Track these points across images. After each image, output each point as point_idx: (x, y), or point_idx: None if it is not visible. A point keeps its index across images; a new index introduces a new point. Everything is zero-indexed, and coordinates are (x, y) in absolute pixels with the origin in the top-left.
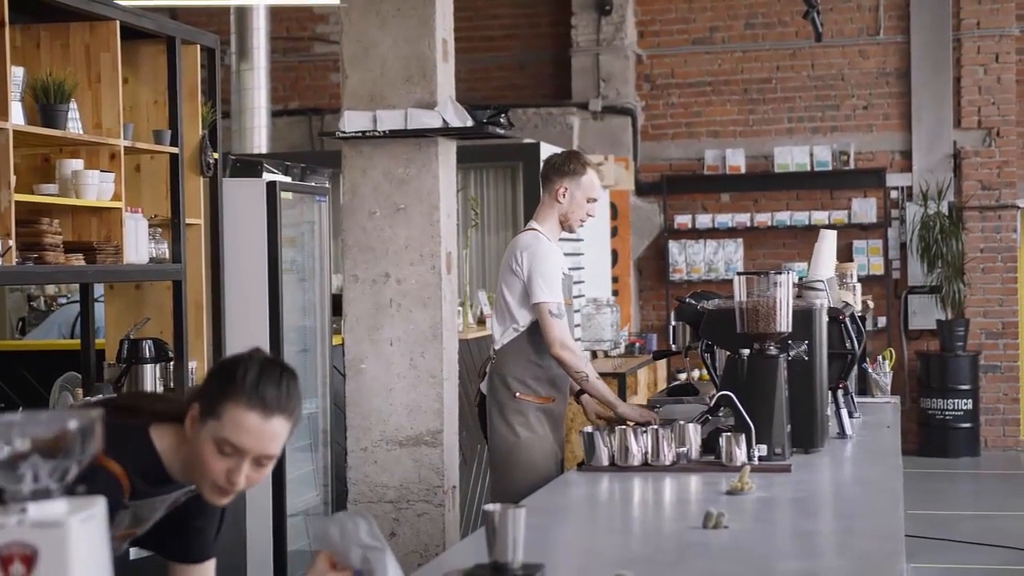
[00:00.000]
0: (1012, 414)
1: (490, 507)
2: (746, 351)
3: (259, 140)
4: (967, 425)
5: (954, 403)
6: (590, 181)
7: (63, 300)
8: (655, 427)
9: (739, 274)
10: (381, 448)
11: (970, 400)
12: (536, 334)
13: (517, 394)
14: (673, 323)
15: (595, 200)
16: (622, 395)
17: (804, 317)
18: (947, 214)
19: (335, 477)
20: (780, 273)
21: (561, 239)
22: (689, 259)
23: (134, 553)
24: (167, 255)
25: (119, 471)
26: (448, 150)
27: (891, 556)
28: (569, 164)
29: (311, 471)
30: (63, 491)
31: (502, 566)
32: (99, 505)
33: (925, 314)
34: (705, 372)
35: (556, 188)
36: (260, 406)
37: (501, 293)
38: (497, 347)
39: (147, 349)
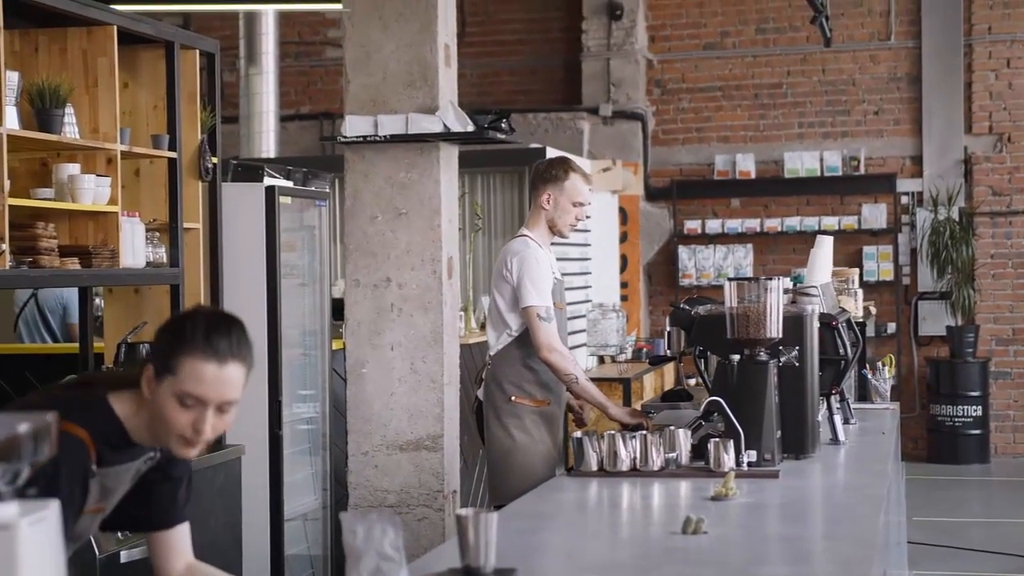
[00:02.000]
0: (1022, 421)
1: (462, 512)
2: (736, 357)
3: (267, 144)
4: (977, 432)
5: (964, 409)
6: (573, 186)
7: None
8: (643, 432)
9: (730, 280)
10: (382, 452)
11: (980, 407)
12: (529, 338)
13: (512, 398)
14: (668, 328)
15: (582, 204)
16: (626, 401)
17: (795, 323)
18: (957, 220)
19: (335, 481)
20: (771, 279)
21: (568, 244)
22: (699, 264)
23: (125, 556)
24: (165, 259)
25: (84, 435)
26: (450, 155)
27: (864, 561)
28: (552, 170)
29: (310, 475)
30: (14, 494)
31: (474, 570)
32: (51, 508)
33: (935, 320)
34: None
35: (541, 195)
36: (214, 355)
37: (493, 299)
38: (492, 353)
39: (144, 353)
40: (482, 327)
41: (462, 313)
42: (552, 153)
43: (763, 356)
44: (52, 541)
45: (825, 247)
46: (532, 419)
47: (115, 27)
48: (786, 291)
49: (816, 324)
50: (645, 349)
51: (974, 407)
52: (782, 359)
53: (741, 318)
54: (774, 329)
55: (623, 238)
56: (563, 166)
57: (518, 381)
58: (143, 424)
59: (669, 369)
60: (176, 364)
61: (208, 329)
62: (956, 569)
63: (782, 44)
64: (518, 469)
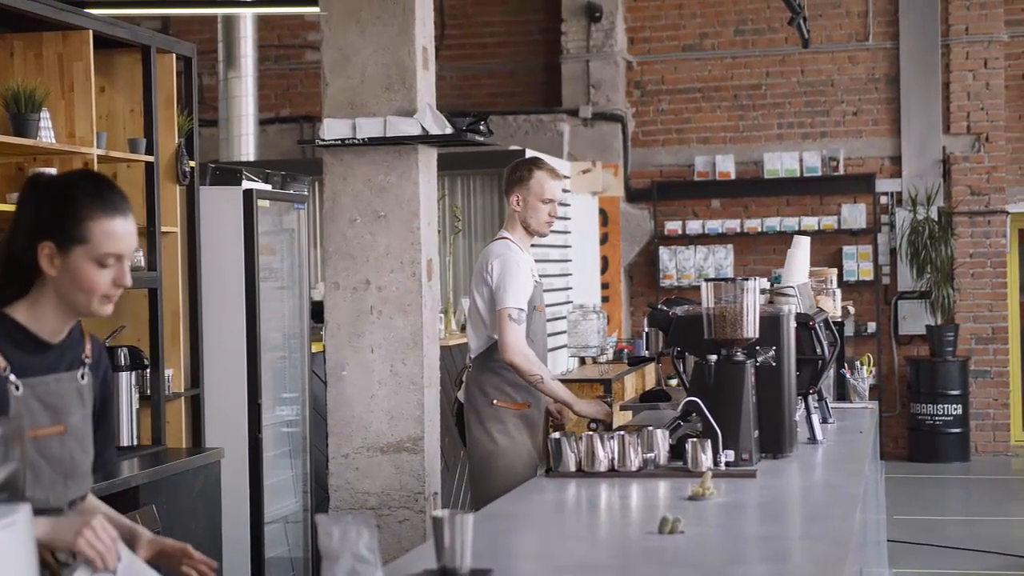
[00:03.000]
0: (1002, 419)
1: (438, 513)
2: (713, 357)
3: (246, 148)
4: (957, 430)
5: (944, 408)
6: (539, 183)
7: None
8: (621, 433)
9: (707, 280)
10: (362, 455)
11: (960, 405)
12: None
13: (495, 401)
14: (646, 329)
15: (551, 201)
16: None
17: (772, 323)
18: (936, 219)
19: (315, 483)
20: (747, 279)
21: (549, 245)
22: (680, 265)
23: None
24: (143, 263)
25: None
26: (428, 157)
27: (838, 560)
28: (517, 172)
29: (291, 477)
30: None
31: (450, 571)
32: (23, 512)
33: (915, 319)
34: None
35: (511, 197)
36: (117, 212)
37: (474, 302)
38: (473, 355)
39: (122, 357)
40: (462, 329)
41: (442, 315)
42: (531, 155)
43: (740, 356)
44: (24, 546)
45: (802, 247)
46: (514, 422)
47: (91, 31)
48: (763, 291)
49: (793, 324)
50: (626, 350)
51: (954, 406)
52: (759, 359)
53: (718, 318)
54: (751, 329)
55: (604, 239)
56: (527, 166)
57: (499, 384)
58: (50, 312)
59: (651, 369)
60: (84, 231)
61: (100, 189)
62: (936, 567)
63: (761, 45)
64: (500, 472)
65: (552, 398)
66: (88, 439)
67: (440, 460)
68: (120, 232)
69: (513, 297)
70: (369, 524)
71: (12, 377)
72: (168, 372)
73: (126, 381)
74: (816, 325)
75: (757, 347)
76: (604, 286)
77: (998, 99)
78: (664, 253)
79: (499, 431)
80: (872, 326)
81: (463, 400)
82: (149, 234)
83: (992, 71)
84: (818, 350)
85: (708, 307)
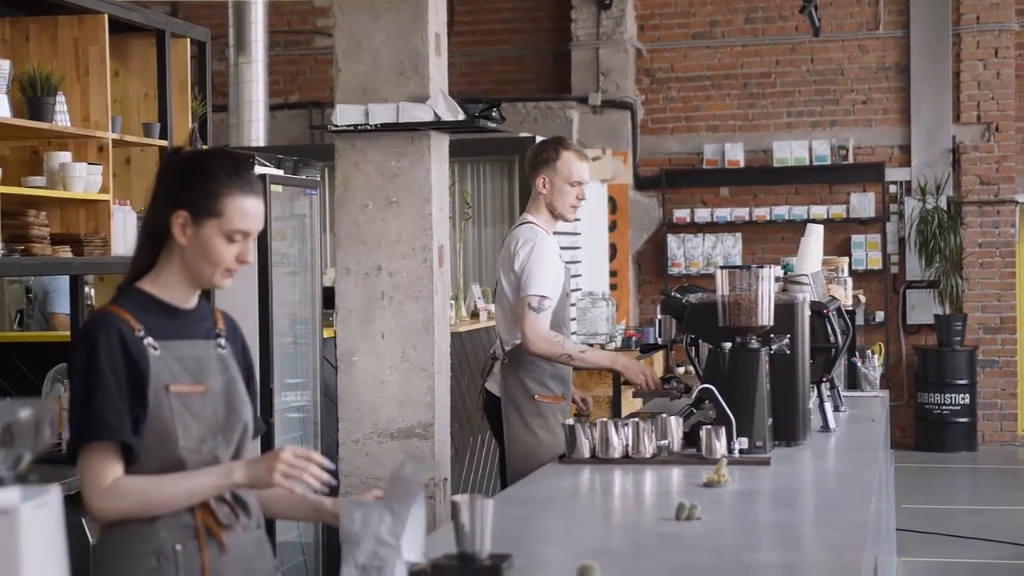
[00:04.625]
0: (1009, 409)
1: (457, 498)
2: (728, 344)
3: (257, 133)
4: (964, 420)
5: (951, 398)
6: (567, 165)
7: None
8: (635, 419)
9: (721, 268)
10: (373, 440)
11: (967, 395)
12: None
13: (536, 396)
14: (659, 317)
15: (579, 183)
16: (616, 388)
17: (786, 311)
18: (945, 209)
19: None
20: (762, 267)
21: (557, 232)
22: (688, 253)
23: None
24: None
25: (113, 308)
26: (440, 144)
27: (855, 547)
28: (543, 153)
29: None
30: (16, 479)
31: (469, 556)
32: (53, 493)
33: (923, 309)
34: None
35: (536, 179)
36: (251, 191)
37: (503, 291)
38: (508, 347)
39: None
40: (473, 315)
41: (453, 302)
42: (555, 136)
43: (754, 344)
44: (54, 526)
45: (815, 236)
46: (554, 416)
47: (106, 15)
48: (777, 279)
49: (807, 312)
50: (635, 337)
51: (962, 395)
52: (773, 347)
53: (733, 306)
54: (765, 317)
55: (612, 227)
56: (554, 146)
57: (540, 377)
58: (176, 282)
59: (659, 357)
60: (219, 205)
61: (237, 167)
62: (944, 556)
63: (771, 33)
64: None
65: (594, 370)
66: (236, 401)
67: (450, 446)
68: (251, 210)
69: (537, 284)
70: (392, 509)
71: (149, 339)
72: None
73: None
74: (830, 313)
75: (771, 335)
76: (612, 274)
77: (1008, 88)
78: (672, 241)
79: (540, 426)
80: (880, 315)
81: (499, 394)
82: None
83: (1003, 60)
84: (831, 338)
85: (723, 295)
